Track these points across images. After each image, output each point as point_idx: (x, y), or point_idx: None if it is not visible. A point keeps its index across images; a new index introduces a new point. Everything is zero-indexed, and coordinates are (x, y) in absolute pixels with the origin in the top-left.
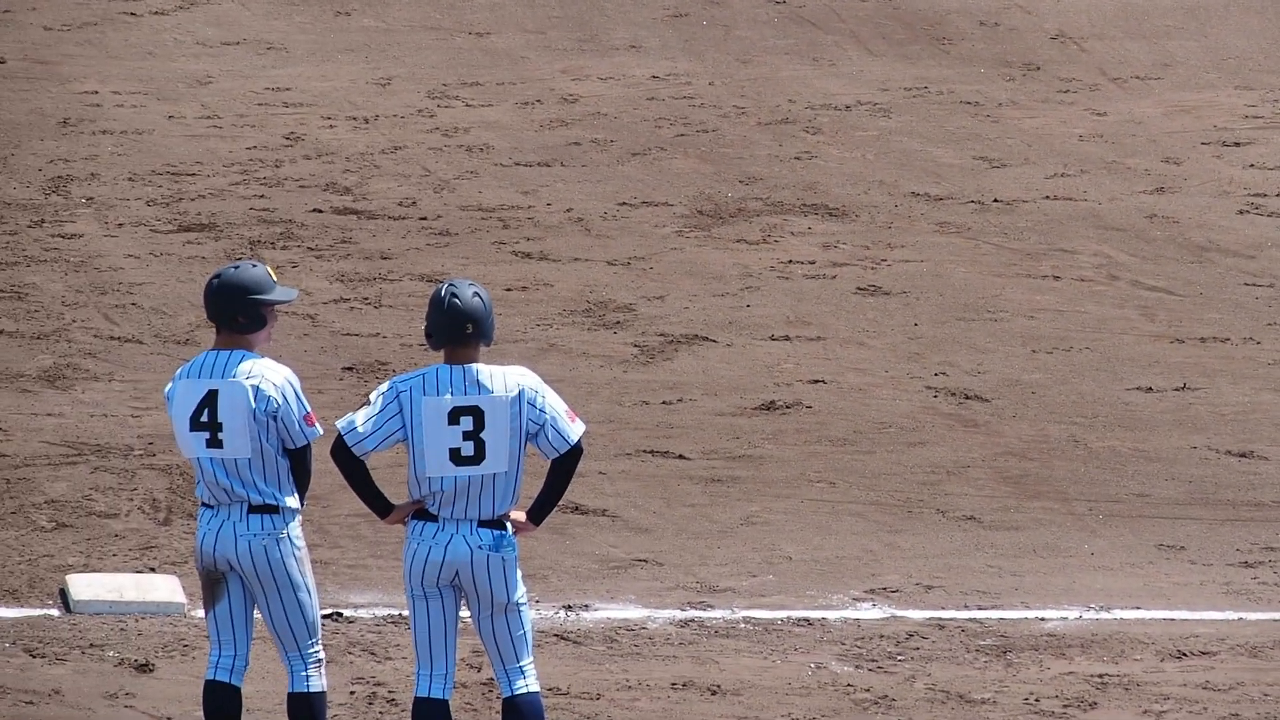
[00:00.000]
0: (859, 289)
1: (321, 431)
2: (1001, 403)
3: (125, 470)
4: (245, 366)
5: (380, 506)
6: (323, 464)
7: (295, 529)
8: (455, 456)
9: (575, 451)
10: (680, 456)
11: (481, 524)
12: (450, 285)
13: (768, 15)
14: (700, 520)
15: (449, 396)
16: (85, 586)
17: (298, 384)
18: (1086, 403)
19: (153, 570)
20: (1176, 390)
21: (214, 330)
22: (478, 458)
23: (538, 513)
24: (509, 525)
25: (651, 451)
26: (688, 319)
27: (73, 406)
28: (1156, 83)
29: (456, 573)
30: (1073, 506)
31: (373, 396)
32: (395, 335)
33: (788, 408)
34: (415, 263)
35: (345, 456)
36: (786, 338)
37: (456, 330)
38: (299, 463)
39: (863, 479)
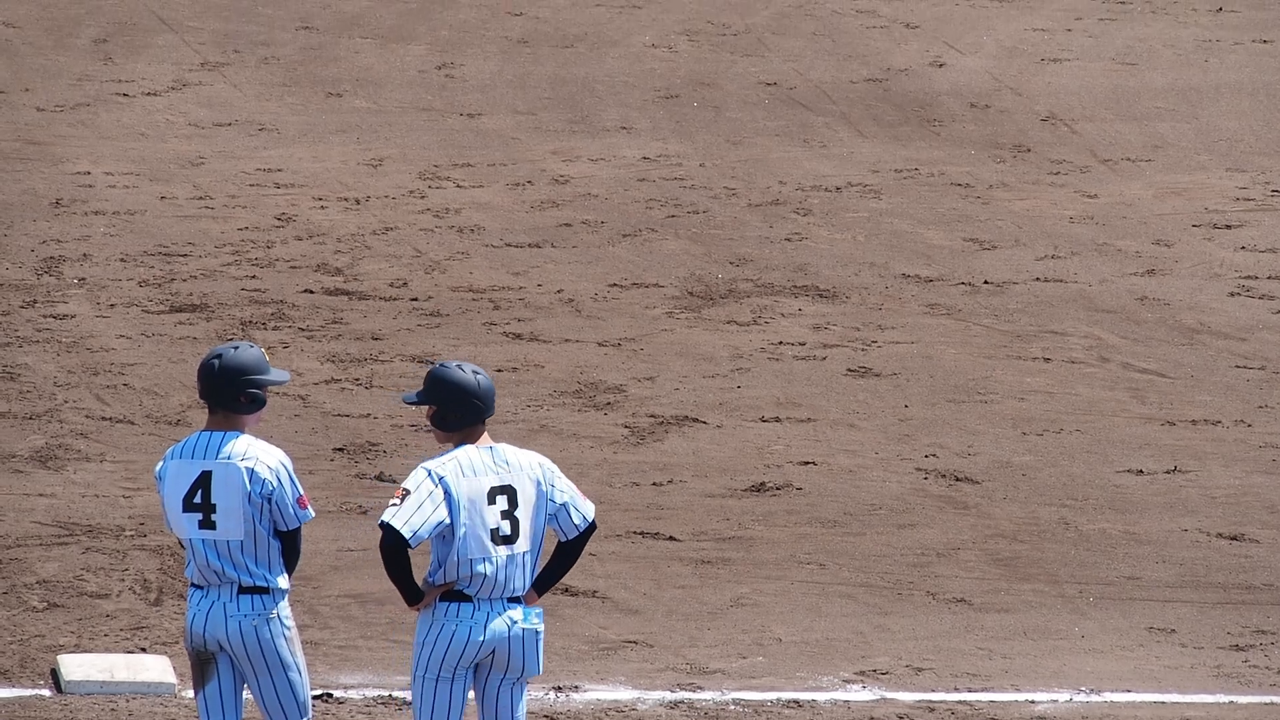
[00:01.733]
0: (849, 370)
1: (314, 514)
2: (992, 485)
3: (117, 550)
4: (239, 448)
5: (412, 593)
6: (311, 544)
7: (285, 609)
8: (495, 536)
9: (591, 529)
10: (670, 538)
11: (510, 600)
12: (458, 366)
13: (758, 97)
14: (690, 602)
15: (487, 477)
16: (77, 666)
17: (291, 466)
18: (1077, 485)
19: (144, 650)
20: (1167, 473)
21: (204, 411)
22: (514, 536)
23: (542, 585)
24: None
25: (642, 533)
26: (678, 400)
27: (64, 487)
28: (1147, 165)
29: (493, 651)
30: (1063, 589)
31: (410, 486)
32: (386, 416)
33: (778, 489)
34: (406, 344)
35: (397, 551)
36: (777, 419)
37: (479, 411)
38: (290, 544)
39: (853, 560)
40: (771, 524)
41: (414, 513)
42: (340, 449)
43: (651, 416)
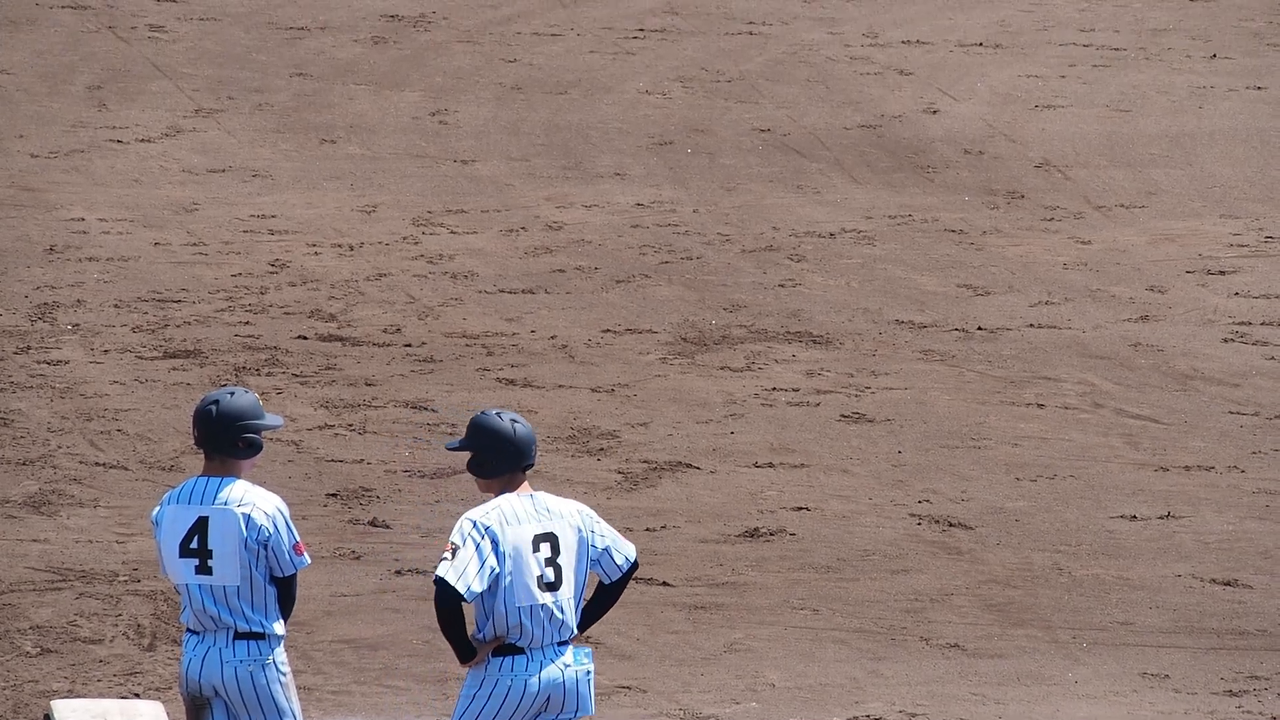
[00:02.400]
0: (843, 416)
1: (310, 561)
2: (985, 530)
3: (110, 596)
4: (236, 494)
5: (465, 649)
6: (305, 590)
7: (280, 654)
8: (540, 583)
9: (633, 569)
10: (664, 583)
11: (560, 644)
12: (497, 414)
13: (752, 143)
14: (684, 647)
15: (530, 525)
16: (70, 712)
17: (287, 512)
18: (1070, 530)
19: (137, 696)
20: (1161, 518)
21: (197, 456)
22: (558, 583)
23: (584, 623)
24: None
25: (635, 578)
26: (671, 446)
27: (58, 532)
28: (1141, 211)
29: (548, 698)
30: (1056, 634)
31: (457, 539)
32: (380, 462)
33: (771, 535)
34: (400, 389)
35: (452, 606)
36: (770, 465)
37: (520, 459)
38: (286, 590)
39: (846, 606)
40: (765, 569)
41: (466, 565)
42: (333, 494)
43: (645, 462)
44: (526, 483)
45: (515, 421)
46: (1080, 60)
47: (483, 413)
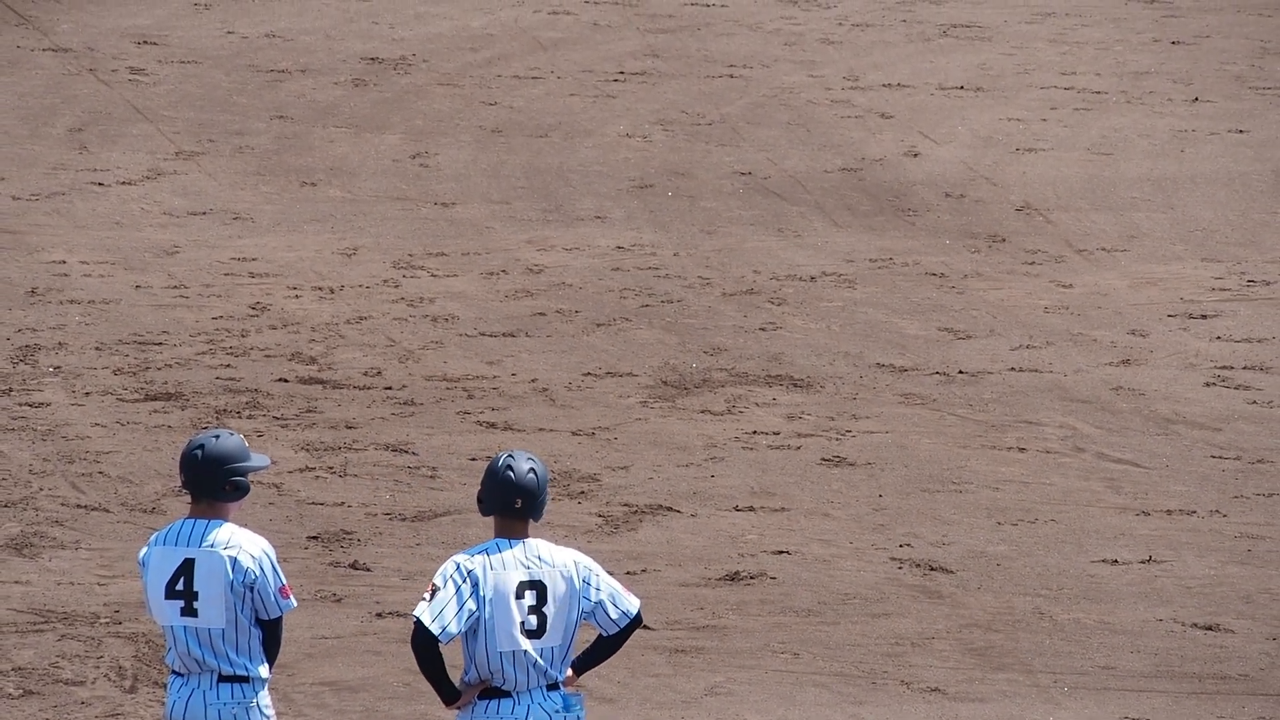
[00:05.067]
0: (823, 460)
1: (296, 604)
2: (966, 574)
3: (92, 638)
4: (222, 536)
5: (449, 692)
6: (286, 632)
7: (265, 698)
8: (523, 630)
9: (635, 623)
10: (645, 627)
11: (549, 688)
12: (508, 456)
13: (733, 186)
14: (664, 690)
15: (516, 572)
16: None
17: (274, 555)
18: (1051, 575)
19: None
20: (1142, 563)
21: (180, 499)
22: (540, 631)
23: (580, 667)
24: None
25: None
26: (652, 489)
27: (40, 574)
28: (1123, 255)
29: None
30: (1038, 679)
31: (439, 581)
32: (360, 504)
33: (752, 578)
34: (380, 432)
35: (428, 647)
36: (751, 508)
37: (507, 502)
38: (271, 633)
39: (827, 650)
40: (746, 613)
41: (444, 607)
42: (314, 537)
43: (625, 505)
44: (527, 531)
45: (510, 467)
46: (1061, 103)
47: (507, 452)
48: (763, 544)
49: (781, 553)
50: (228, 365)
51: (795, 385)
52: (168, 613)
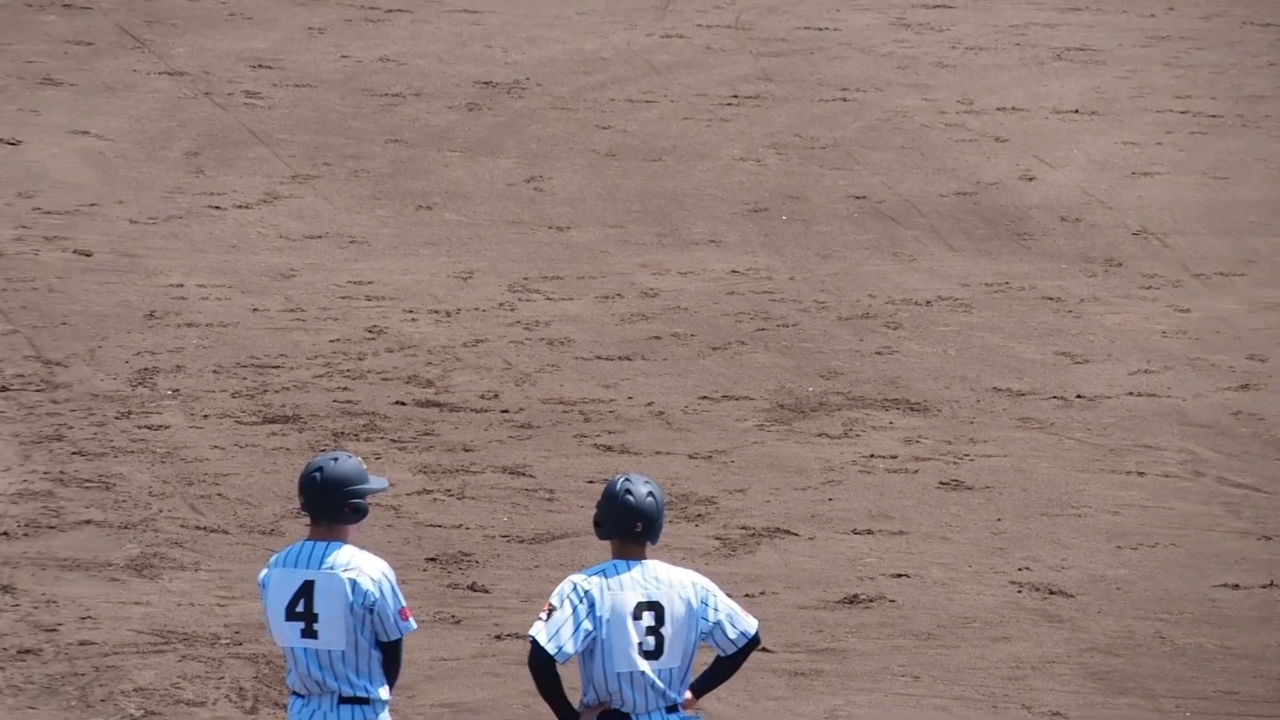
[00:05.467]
0: (941, 483)
1: (416, 626)
2: (1086, 598)
3: (212, 659)
4: (342, 558)
5: (567, 714)
6: (406, 654)
7: (385, 719)
8: (640, 651)
9: (752, 644)
10: (763, 649)
11: (668, 710)
12: (625, 480)
13: (847, 210)
14: (784, 714)
15: (633, 592)
16: None
17: (393, 577)
18: (1172, 599)
19: None
20: (1264, 587)
21: (298, 520)
22: (658, 652)
23: (699, 689)
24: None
25: None
26: (769, 512)
27: (160, 595)
28: (1240, 279)
29: None
30: (1159, 703)
31: (555, 600)
32: (478, 527)
33: (871, 601)
34: (497, 455)
35: (545, 667)
36: (869, 531)
37: (626, 526)
38: (391, 655)
39: (947, 673)
40: (865, 636)
41: (560, 627)
42: (433, 559)
43: (743, 528)
44: (644, 552)
45: (628, 491)
46: (1177, 127)
47: (624, 475)
48: (881, 567)
49: (900, 576)
50: (345, 388)
51: (912, 409)
52: (288, 634)
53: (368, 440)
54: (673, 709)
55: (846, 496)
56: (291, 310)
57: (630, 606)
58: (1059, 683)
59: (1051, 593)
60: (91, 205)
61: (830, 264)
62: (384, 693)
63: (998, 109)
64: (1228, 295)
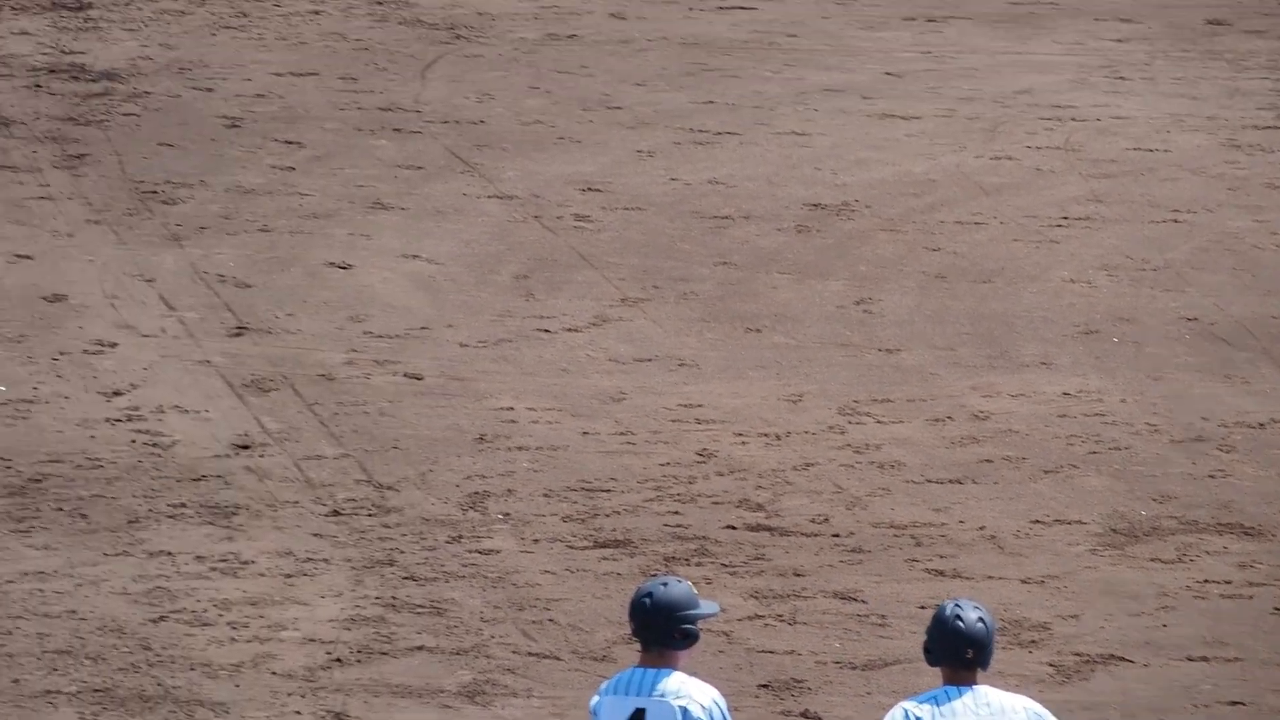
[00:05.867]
0: (1276, 609)
1: None
2: None
3: None
4: (673, 685)
5: None
6: None
7: None
8: None
9: None
10: None
11: None
12: (955, 605)
13: (1179, 332)
14: None
15: (967, 718)
16: None
17: (724, 704)
18: None
19: None
20: None
21: (630, 646)
22: None
23: None
24: None
25: None
26: (1103, 638)
27: None
28: None
29: None
30: None
31: None
32: (810, 653)
33: None
34: (829, 580)
35: None
36: (1204, 658)
37: (957, 652)
38: None
39: None
40: None
41: None
42: (765, 685)
43: (1077, 655)
44: (974, 678)
45: (959, 616)
46: None
47: (954, 601)
48: (1217, 694)
49: (1237, 704)
50: (675, 512)
51: (1246, 534)
52: None
53: (699, 565)
54: None
55: (1181, 622)
56: (621, 433)
57: None
58: None
59: None
60: (422, 329)
61: (1162, 386)
62: None
63: None
64: None
